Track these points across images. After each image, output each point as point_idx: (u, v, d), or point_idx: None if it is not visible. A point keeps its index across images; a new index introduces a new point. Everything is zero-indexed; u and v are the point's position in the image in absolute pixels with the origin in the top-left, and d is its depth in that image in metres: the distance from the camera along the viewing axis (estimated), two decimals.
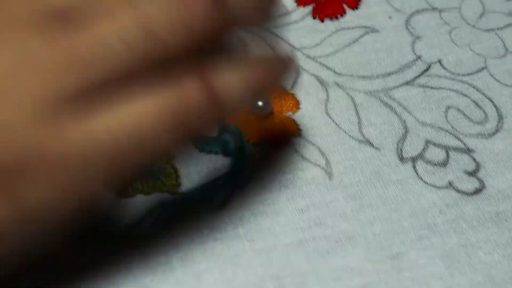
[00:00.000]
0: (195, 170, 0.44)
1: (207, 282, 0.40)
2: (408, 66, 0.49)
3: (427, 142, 0.46)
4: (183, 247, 0.41)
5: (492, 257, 0.41)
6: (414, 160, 0.45)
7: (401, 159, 0.45)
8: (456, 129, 0.47)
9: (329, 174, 0.44)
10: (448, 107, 0.47)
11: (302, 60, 0.49)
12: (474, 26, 0.51)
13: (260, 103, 0.45)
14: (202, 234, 0.41)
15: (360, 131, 0.46)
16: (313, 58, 0.49)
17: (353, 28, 0.51)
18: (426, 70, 0.49)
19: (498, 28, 0.51)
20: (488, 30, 0.51)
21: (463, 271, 0.41)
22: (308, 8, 0.52)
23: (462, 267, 0.41)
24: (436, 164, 0.45)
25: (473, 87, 0.48)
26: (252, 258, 0.41)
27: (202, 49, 0.32)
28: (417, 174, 0.44)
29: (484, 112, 0.47)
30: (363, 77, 0.48)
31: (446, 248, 0.42)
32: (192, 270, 0.40)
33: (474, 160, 0.45)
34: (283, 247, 0.41)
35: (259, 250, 0.41)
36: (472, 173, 0.45)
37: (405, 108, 0.47)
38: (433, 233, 0.42)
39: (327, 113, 0.47)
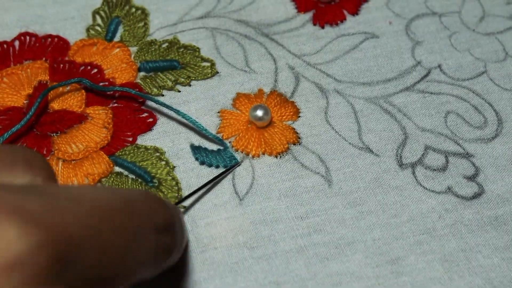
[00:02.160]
0: (196, 183, 0.44)
1: None
2: (408, 71, 0.49)
3: (427, 148, 0.46)
4: (183, 256, 0.41)
5: (491, 260, 0.42)
6: (413, 166, 0.45)
7: (401, 165, 0.45)
8: (455, 134, 0.47)
9: (329, 182, 0.45)
10: (448, 112, 0.48)
11: (302, 68, 0.49)
12: (474, 30, 0.51)
13: (259, 113, 0.46)
14: (203, 243, 0.42)
15: (360, 138, 0.46)
16: (313, 65, 0.49)
17: (353, 34, 0.51)
18: (426, 75, 0.49)
19: (498, 32, 0.51)
20: (488, 34, 0.51)
21: (462, 275, 0.41)
22: (309, 15, 0.52)
23: (461, 271, 0.41)
24: (435, 170, 0.45)
25: (473, 92, 0.49)
26: (252, 265, 0.41)
27: None
28: (416, 179, 0.45)
29: (484, 116, 0.48)
30: (363, 84, 0.49)
31: (445, 252, 0.42)
32: (192, 279, 0.41)
33: (474, 164, 0.45)
34: (283, 254, 0.42)
35: (258, 258, 0.42)
36: (471, 178, 0.45)
37: (404, 114, 0.47)
38: (432, 237, 0.43)
39: (327, 121, 0.47)
